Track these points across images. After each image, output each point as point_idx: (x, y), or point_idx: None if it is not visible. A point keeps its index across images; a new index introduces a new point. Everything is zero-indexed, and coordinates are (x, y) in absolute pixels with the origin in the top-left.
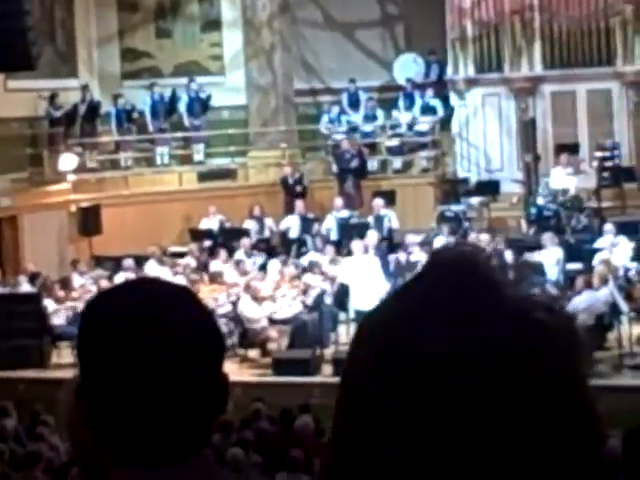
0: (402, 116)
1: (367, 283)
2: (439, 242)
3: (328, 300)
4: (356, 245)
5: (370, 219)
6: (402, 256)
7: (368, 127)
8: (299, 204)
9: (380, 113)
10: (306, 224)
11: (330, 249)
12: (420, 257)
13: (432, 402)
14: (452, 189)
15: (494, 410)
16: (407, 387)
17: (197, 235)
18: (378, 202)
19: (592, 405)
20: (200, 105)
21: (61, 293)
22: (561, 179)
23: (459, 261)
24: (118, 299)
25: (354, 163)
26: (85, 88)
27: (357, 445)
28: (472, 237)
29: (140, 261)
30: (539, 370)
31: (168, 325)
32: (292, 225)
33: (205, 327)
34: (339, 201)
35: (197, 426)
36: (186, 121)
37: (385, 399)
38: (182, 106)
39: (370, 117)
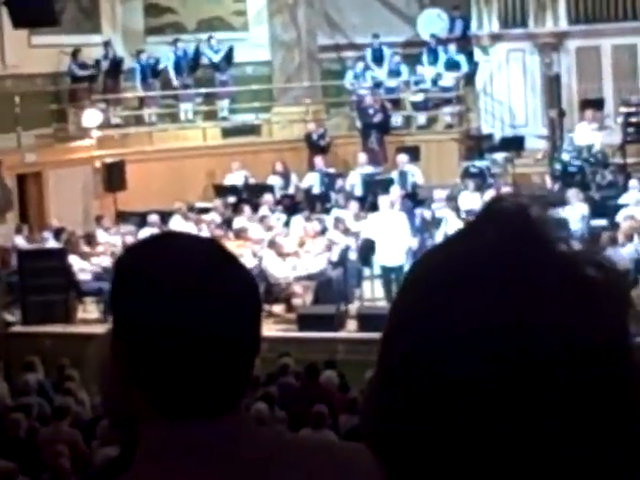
0: (426, 71)
1: (393, 239)
2: (464, 198)
3: (352, 256)
4: (383, 200)
5: (394, 175)
6: (427, 212)
7: (392, 82)
8: (318, 160)
9: (404, 68)
10: (328, 180)
11: (354, 205)
12: (445, 213)
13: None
14: (476, 145)
15: (543, 361)
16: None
17: (221, 191)
18: (402, 158)
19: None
20: (224, 59)
21: (86, 249)
22: (586, 135)
23: (513, 212)
24: (152, 250)
25: (377, 118)
26: (107, 44)
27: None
28: (493, 193)
29: (165, 217)
30: (588, 327)
31: (207, 275)
32: (314, 182)
33: (242, 278)
34: (363, 157)
35: (236, 379)
36: (214, 75)
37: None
38: (212, 56)
39: (394, 72)
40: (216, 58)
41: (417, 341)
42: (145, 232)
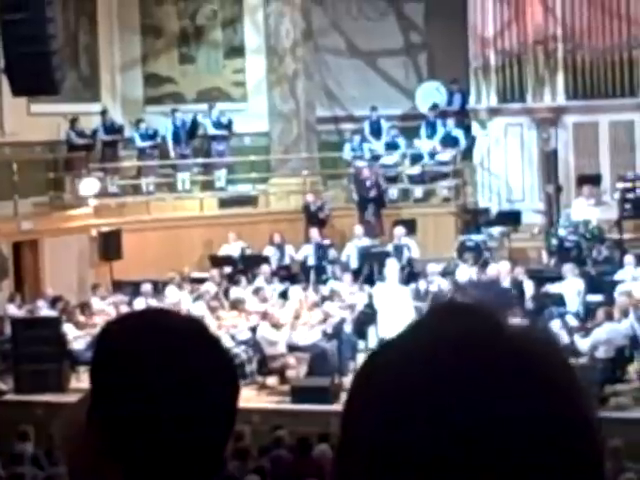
0: (424, 144)
1: (396, 311)
2: (462, 272)
3: (348, 328)
4: (390, 272)
5: (390, 247)
6: (422, 285)
7: (390, 159)
8: (314, 232)
9: (402, 141)
10: (323, 251)
11: (349, 277)
12: (439, 286)
13: (435, 443)
14: (473, 219)
15: (494, 453)
16: (413, 427)
17: (217, 261)
18: (399, 231)
19: (598, 445)
20: (222, 130)
21: (81, 318)
22: (583, 210)
23: (460, 306)
24: (135, 326)
25: (372, 193)
26: (105, 113)
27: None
28: (492, 266)
29: (159, 286)
30: (541, 409)
31: (185, 355)
32: (310, 253)
33: (220, 360)
34: (359, 229)
35: (208, 457)
36: (211, 145)
37: (392, 436)
38: (209, 127)
39: (392, 145)
40: (212, 131)
41: (378, 451)
42: (138, 302)
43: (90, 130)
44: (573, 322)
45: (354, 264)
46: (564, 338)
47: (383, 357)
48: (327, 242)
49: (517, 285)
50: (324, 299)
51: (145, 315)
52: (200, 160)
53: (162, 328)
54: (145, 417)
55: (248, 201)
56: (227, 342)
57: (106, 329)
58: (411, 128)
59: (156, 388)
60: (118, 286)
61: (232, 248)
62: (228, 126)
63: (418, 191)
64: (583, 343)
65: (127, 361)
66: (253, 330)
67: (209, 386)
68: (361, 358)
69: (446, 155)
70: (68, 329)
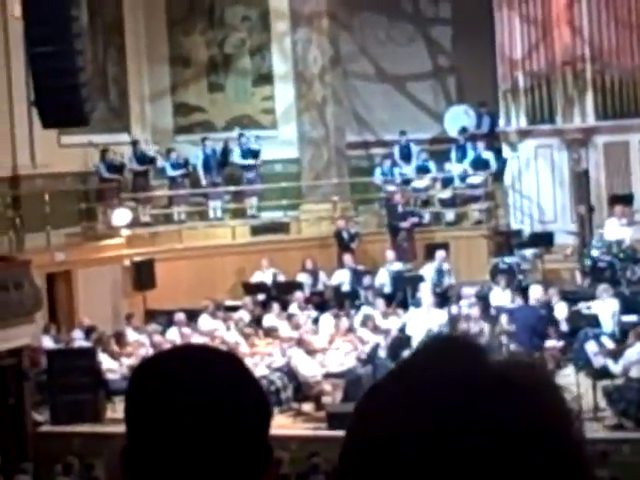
0: (454, 168)
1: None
2: (495, 295)
3: (382, 353)
4: (425, 296)
5: (428, 270)
6: (454, 309)
7: (421, 182)
8: (347, 258)
9: (432, 165)
10: (357, 277)
11: (382, 302)
12: (473, 310)
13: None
14: (505, 241)
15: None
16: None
17: (250, 289)
18: (441, 254)
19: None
20: (251, 157)
21: (116, 348)
22: (615, 230)
23: (448, 344)
24: (164, 366)
25: (407, 223)
26: (135, 143)
27: None
28: (532, 289)
29: (192, 315)
30: (529, 434)
31: (211, 392)
32: (344, 279)
33: (250, 395)
34: (391, 254)
35: None
36: (243, 173)
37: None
38: (236, 157)
39: (422, 169)
40: (240, 160)
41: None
42: (172, 331)
43: (119, 162)
44: (609, 343)
45: (387, 289)
46: (599, 360)
47: (374, 399)
48: (362, 268)
49: (550, 307)
50: (357, 325)
51: (176, 354)
52: (231, 188)
53: (195, 366)
54: (179, 458)
55: (280, 228)
56: (262, 369)
57: (139, 370)
58: (441, 152)
59: (190, 427)
60: (151, 315)
61: (265, 275)
62: (256, 155)
63: (450, 214)
64: (616, 365)
65: (161, 403)
66: (288, 357)
67: (243, 422)
68: None
69: (477, 178)
70: (103, 359)
